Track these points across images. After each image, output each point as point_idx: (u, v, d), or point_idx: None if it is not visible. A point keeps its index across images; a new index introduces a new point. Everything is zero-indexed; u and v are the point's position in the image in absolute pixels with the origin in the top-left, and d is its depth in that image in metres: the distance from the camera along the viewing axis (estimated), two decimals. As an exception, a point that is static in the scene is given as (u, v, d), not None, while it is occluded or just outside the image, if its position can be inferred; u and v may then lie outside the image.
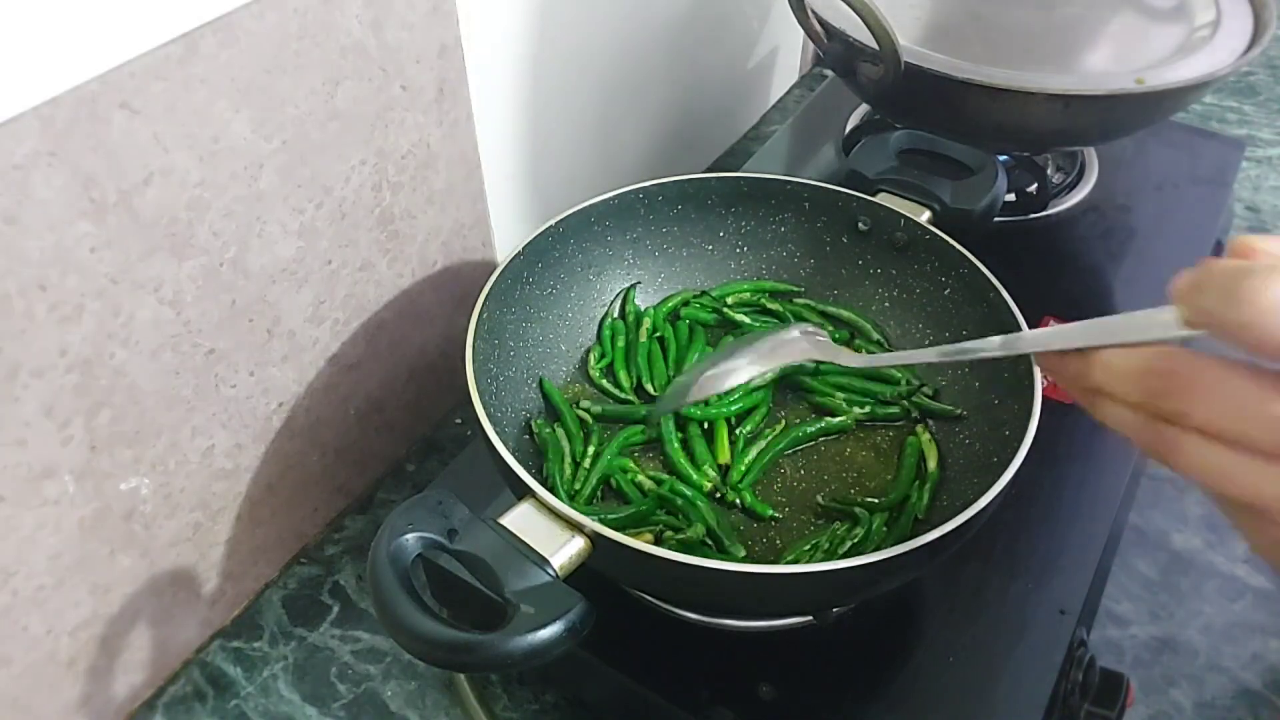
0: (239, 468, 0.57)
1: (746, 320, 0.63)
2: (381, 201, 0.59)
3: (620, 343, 0.62)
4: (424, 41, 0.57)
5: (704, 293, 0.65)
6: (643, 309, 0.64)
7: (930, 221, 0.60)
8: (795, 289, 0.65)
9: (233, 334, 0.53)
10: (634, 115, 0.84)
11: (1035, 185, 0.78)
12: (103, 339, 0.46)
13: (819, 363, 0.58)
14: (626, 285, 0.64)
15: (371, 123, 0.56)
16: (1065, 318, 0.67)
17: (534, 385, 0.59)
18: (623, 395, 0.60)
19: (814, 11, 0.70)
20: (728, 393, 0.56)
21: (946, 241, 0.58)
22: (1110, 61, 0.73)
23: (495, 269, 0.55)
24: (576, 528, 0.41)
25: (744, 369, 0.45)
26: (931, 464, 0.55)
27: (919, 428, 0.57)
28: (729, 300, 0.64)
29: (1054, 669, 0.50)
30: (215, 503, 0.57)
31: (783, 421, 0.58)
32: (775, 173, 0.65)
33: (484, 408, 0.47)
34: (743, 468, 0.55)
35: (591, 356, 0.62)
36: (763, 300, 0.64)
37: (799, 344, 0.47)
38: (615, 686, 0.51)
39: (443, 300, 0.68)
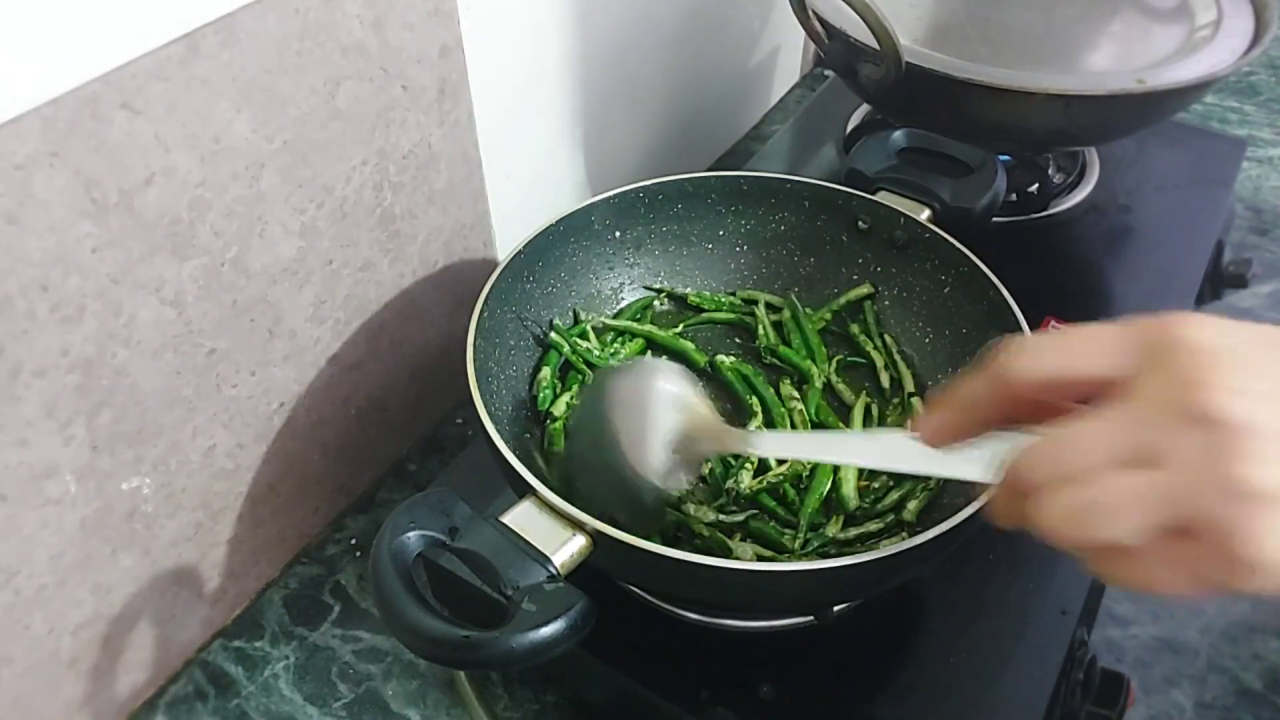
0: (240, 467, 0.57)
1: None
2: (383, 201, 0.59)
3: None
4: (425, 41, 0.57)
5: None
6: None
7: (930, 220, 0.60)
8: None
9: (234, 334, 0.53)
10: (635, 115, 0.84)
11: (1036, 185, 0.78)
12: (104, 339, 0.46)
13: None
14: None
15: (373, 123, 0.56)
16: (1066, 318, 0.68)
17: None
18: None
19: (815, 11, 0.70)
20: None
21: (946, 240, 0.58)
22: (1111, 61, 0.73)
23: (496, 268, 0.55)
24: (578, 526, 0.41)
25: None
26: None
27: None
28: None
29: (1054, 669, 0.50)
30: (217, 502, 0.57)
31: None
32: (776, 172, 0.65)
33: (485, 406, 0.47)
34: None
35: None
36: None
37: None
38: (615, 686, 0.51)
39: (444, 300, 0.68)
